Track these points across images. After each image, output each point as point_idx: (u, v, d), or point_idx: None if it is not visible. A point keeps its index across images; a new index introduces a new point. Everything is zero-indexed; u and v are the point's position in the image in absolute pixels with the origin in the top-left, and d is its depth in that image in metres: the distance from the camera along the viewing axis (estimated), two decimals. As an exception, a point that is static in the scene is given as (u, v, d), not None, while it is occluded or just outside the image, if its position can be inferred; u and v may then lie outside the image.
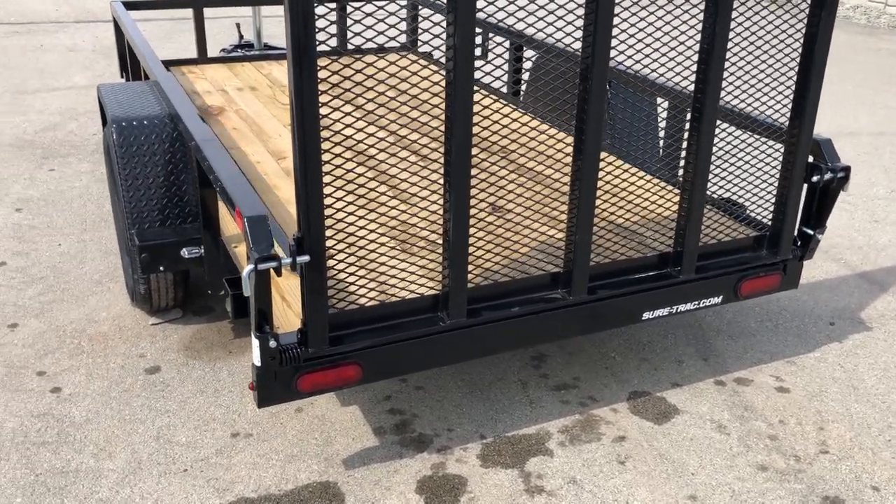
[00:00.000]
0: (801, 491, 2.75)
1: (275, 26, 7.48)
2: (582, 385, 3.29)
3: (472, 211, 2.46)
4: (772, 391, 3.29)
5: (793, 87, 2.91)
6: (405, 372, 2.72)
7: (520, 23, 2.68)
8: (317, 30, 2.04)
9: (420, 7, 5.51)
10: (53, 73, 7.74)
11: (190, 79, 4.90)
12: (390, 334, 2.51)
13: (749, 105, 3.07)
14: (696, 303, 3.04)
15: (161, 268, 3.27)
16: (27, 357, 3.37)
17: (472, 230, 2.57)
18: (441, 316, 2.58)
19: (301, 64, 2.04)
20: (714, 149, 2.81)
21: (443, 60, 4.62)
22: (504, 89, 4.79)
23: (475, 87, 2.31)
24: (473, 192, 2.44)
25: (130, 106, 3.42)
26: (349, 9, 5.43)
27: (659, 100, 3.78)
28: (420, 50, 5.46)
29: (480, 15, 2.35)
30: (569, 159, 2.66)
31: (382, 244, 2.51)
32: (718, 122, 2.83)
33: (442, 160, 2.41)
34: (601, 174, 2.64)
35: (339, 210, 2.31)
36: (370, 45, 5.94)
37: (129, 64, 4.82)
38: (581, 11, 2.46)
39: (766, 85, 2.95)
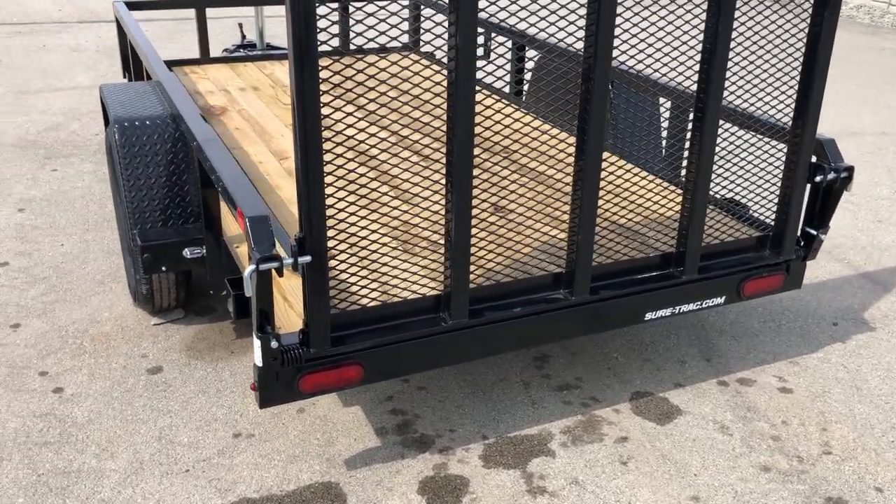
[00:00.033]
0: (804, 492, 2.75)
1: (277, 26, 7.48)
2: (584, 385, 3.29)
3: (474, 211, 2.46)
4: (775, 392, 3.28)
5: (796, 87, 2.90)
6: (407, 372, 2.72)
7: (522, 23, 2.67)
8: (318, 30, 2.03)
9: (422, 7, 5.51)
10: (56, 74, 7.74)
11: (192, 79, 4.90)
12: (392, 335, 2.51)
13: (752, 105, 3.07)
14: (699, 303, 3.03)
15: (163, 268, 3.27)
16: (29, 357, 3.37)
17: (473, 230, 2.56)
18: (443, 316, 2.57)
19: (302, 64, 2.04)
20: (717, 149, 2.80)
21: (445, 60, 4.62)
22: (506, 89, 4.79)
23: (477, 87, 2.30)
24: (475, 192, 2.44)
25: (133, 106, 3.42)
26: (351, 9, 5.43)
27: (661, 99, 3.77)
28: (422, 50, 5.46)
29: (482, 15, 2.35)
30: (571, 159, 2.66)
31: (384, 244, 2.51)
32: (721, 121, 2.83)
33: (444, 160, 2.40)
34: (603, 174, 2.63)
35: (340, 210, 2.30)
36: (372, 45, 5.94)
37: (132, 64, 4.82)
38: (583, 11, 2.46)
39: (769, 84, 2.94)
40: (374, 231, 2.44)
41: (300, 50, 2.02)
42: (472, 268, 2.53)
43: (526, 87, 4.76)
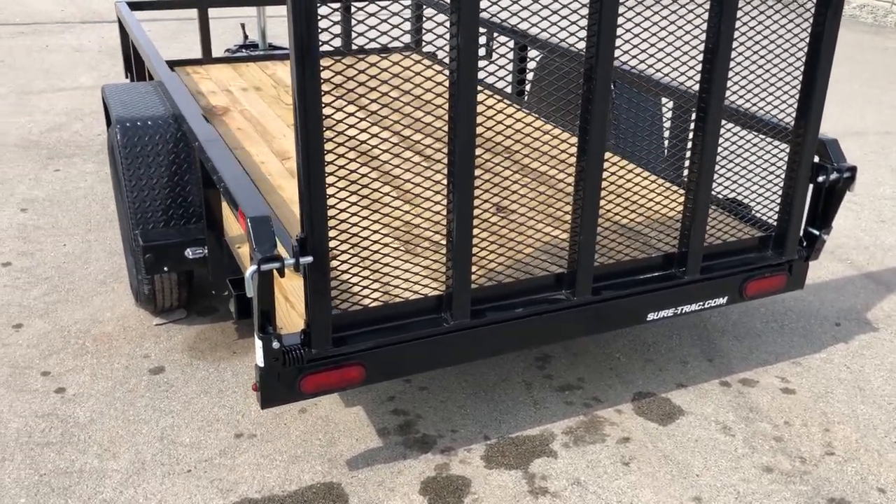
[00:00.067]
0: (807, 493, 2.74)
1: (279, 26, 7.48)
2: (586, 386, 3.28)
3: (476, 211, 2.45)
4: (777, 392, 3.27)
5: (798, 87, 2.90)
6: (409, 373, 2.72)
7: (524, 22, 2.67)
8: (320, 30, 2.03)
9: (424, 7, 5.51)
10: (59, 74, 7.75)
11: (194, 79, 4.90)
12: (394, 335, 2.50)
13: (754, 104, 3.06)
14: (702, 303, 3.03)
15: (165, 268, 3.28)
16: (32, 357, 3.37)
17: (475, 231, 2.57)
18: (445, 317, 2.57)
19: (304, 64, 2.04)
20: (719, 149, 2.80)
21: (446, 60, 4.61)
22: (508, 89, 4.78)
23: (479, 88, 2.30)
24: (477, 192, 2.43)
25: (134, 106, 3.42)
26: (352, 8, 5.43)
27: (663, 99, 3.77)
28: (424, 50, 5.45)
29: (484, 15, 2.34)
30: (573, 159, 2.65)
31: (386, 245, 2.51)
32: (723, 121, 2.82)
33: (445, 160, 2.40)
34: (605, 174, 2.63)
35: (342, 211, 2.30)
36: (374, 45, 5.94)
37: (134, 64, 4.82)
38: (585, 11, 2.45)
39: (772, 84, 2.94)
40: (375, 231, 2.44)
41: (302, 50, 2.02)
42: (473, 268, 2.52)
43: (528, 87, 4.76)
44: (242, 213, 2.34)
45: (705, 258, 2.94)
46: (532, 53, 4.72)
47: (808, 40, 2.82)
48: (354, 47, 5.11)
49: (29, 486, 2.68)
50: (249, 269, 2.20)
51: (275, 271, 2.23)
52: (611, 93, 2.50)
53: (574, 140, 2.62)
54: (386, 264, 2.50)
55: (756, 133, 3.10)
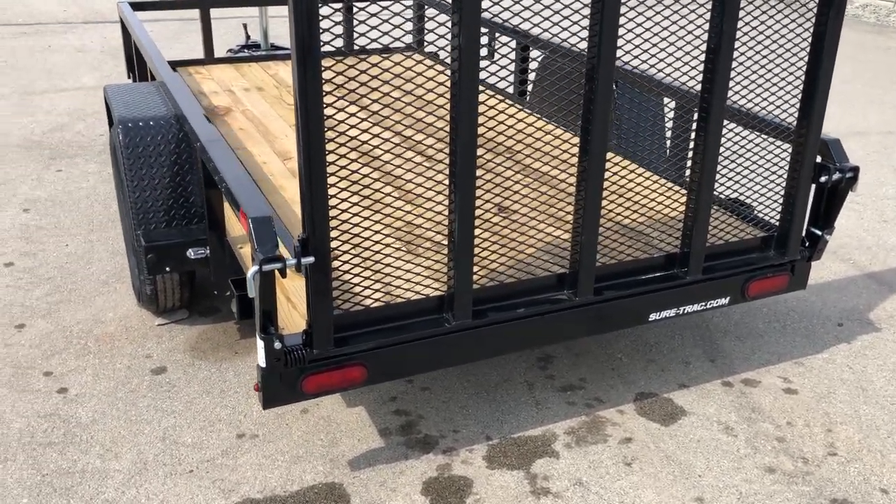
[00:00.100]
0: (809, 493, 2.74)
1: (282, 26, 7.48)
2: (588, 386, 3.28)
3: (478, 212, 2.45)
4: (779, 392, 3.27)
5: (801, 87, 2.89)
6: (411, 373, 2.72)
7: (525, 23, 2.67)
8: (321, 30, 2.03)
9: (425, 7, 5.50)
10: (61, 74, 7.76)
11: (196, 79, 4.90)
12: (395, 335, 2.50)
13: (756, 105, 3.06)
14: (704, 304, 3.02)
15: (167, 268, 3.28)
16: (34, 357, 3.38)
17: (477, 231, 2.57)
18: (446, 317, 2.57)
19: (305, 64, 2.04)
20: (721, 149, 2.79)
21: (448, 61, 4.61)
22: (510, 89, 4.78)
23: (480, 88, 2.30)
24: (479, 192, 2.43)
25: (137, 107, 3.43)
26: (354, 9, 5.43)
27: (665, 99, 3.76)
28: (425, 50, 5.45)
29: (486, 15, 2.35)
30: (575, 159, 2.65)
31: (387, 245, 2.51)
32: (725, 121, 2.82)
33: (447, 161, 2.40)
34: (607, 174, 2.62)
35: (343, 211, 2.30)
36: (375, 45, 5.94)
37: (136, 65, 4.83)
38: (587, 11, 2.45)
39: (774, 84, 2.93)
40: (377, 232, 2.44)
41: (303, 50, 2.02)
42: (475, 268, 2.52)
43: (529, 88, 4.76)
44: (244, 213, 2.34)
45: (707, 258, 2.93)
46: (534, 53, 4.72)
47: (810, 40, 2.82)
48: (356, 47, 5.11)
49: (31, 487, 2.68)
50: (251, 270, 2.21)
51: (276, 272, 2.23)
52: (613, 93, 2.50)
53: (576, 140, 2.62)
54: (387, 264, 2.49)
55: (758, 133, 3.09)
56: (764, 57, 2.87)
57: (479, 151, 2.36)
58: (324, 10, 5.76)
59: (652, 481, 2.77)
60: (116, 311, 3.71)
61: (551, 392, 3.24)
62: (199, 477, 2.74)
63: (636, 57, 2.69)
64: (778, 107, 3.00)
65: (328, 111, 3.91)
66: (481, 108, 2.32)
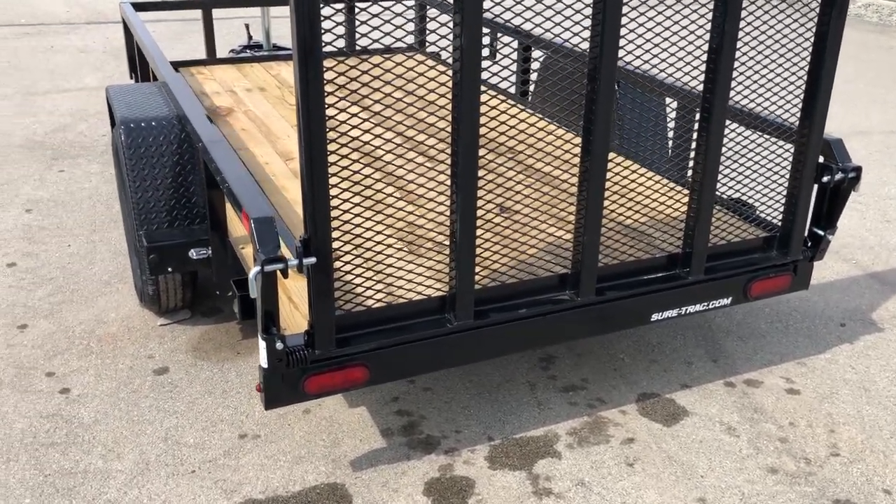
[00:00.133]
0: (812, 494, 2.73)
1: (284, 27, 7.48)
2: (590, 387, 3.28)
3: (480, 212, 2.45)
4: (782, 393, 3.26)
5: (803, 86, 2.89)
6: (412, 374, 2.72)
7: (527, 23, 2.67)
8: (323, 30, 2.03)
9: (427, 7, 5.50)
10: (64, 75, 7.77)
11: (199, 80, 4.90)
12: (397, 336, 2.50)
13: (759, 104, 3.05)
14: (706, 304, 3.02)
15: (169, 269, 3.28)
16: (36, 358, 3.38)
17: (479, 231, 2.56)
18: (448, 317, 2.57)
19: (307, 64, 2.04)
20: (723, 149, 2.79)
21: (450, 61, 4.61)
22: (512, 90, 4.78)
23: (482, 88, 2.30)
24: (481, 192, 2.43)
25: (139, 107, 3.43)
26: (356, 9, 5.43)
27: (667, 99, 3.76)
28: (427, 50, 5.45)
29: (488, 15, 2.35)
30: (577, 160, 2.65)
31: (389, 245, 2.51)
32: (728, 121, 2.81)
33: (449, 161, 2.40)
34: (609, 174, 2.62)
35: (345, 211, 2.30)
36: (377, 45, 5.94)
37: (139, 65, 4.83)
38: (589, 11, 2.45)
39: (776, 84, 2.93)
40: (379, 232, 2.44)
41: (305, 50, 2.02)
42: (477, 269, 2.52)
43: (531, 88, 4.76)
44: (246, 213, 2.34)
45: (709, 258, 2.93)
46: (536, 54, 4.71)
47: (812, 39, 2.82)
48: (358, 48, 5.11)
49: (34, 487, 2.69)
50: (253, 270, 2.21)
51: (278, 272, 2.23)
52: (615, 93, 2.50)
53: (578, 140, 2.62)
54: (389, 265, 2.49)
55: (760, 133, 3.09)
56: (766, 57, 2.87)
57: (481, 152, 2.36)
58: (325, 11, 5.76)
59: (654, 482, 2.77)
60: (119, 312, 3.71)
61: (553, 392, 3.23)
62: (201, 477, 2.74)
63: (638, 57, 2.69)
64: (780, 106, 3.00)
65: (330, 111, 3.91)
66: (483, 109, 2.31)
